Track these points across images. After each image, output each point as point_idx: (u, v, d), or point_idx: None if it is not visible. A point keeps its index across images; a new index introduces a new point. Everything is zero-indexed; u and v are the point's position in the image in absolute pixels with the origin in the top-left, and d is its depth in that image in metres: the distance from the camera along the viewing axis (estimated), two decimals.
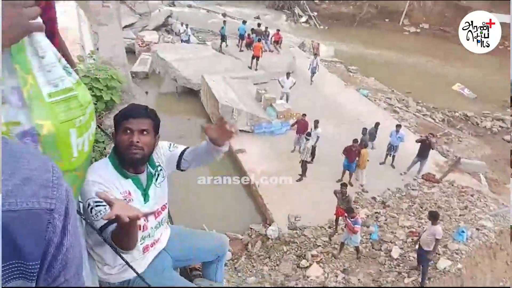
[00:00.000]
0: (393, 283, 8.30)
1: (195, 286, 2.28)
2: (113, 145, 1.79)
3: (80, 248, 0.76)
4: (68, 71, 0.99)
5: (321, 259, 8.99)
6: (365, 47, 25.18)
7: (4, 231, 0.57)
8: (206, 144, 1.86)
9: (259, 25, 19.79)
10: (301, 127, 11.90)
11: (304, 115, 12.13)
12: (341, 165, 11.06)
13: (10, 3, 0.71)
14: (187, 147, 2.01)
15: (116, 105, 5.76)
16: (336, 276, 8.58)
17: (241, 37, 19.04)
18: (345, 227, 8.69)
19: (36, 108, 0.85)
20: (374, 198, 10.91)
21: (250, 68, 17.22)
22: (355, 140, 10.90)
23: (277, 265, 9.10)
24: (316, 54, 17.39)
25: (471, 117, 17.42)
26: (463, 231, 9.02)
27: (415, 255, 8.47)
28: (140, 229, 1.77)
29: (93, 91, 5.38)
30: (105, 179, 1.68)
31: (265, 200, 10.56)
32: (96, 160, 1.88)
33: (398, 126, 11.89)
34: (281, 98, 14.52)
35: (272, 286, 8.50)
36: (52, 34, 1.13)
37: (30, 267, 0.62)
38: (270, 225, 9.96)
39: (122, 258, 1.63)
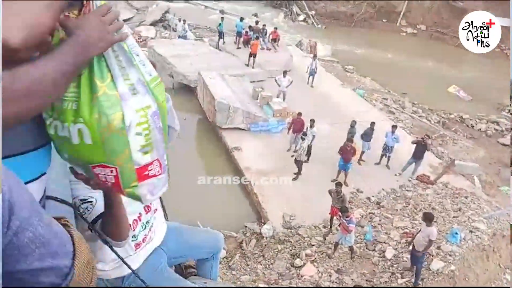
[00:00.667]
0: (387, 283, 8.33)
1: (191, 283, 2.25)
2: None
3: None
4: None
5: (315, 258, 9.00)
6: (362, 47, 25.19)
7: None
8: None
9: (257, 22, 19.75)
10: (297, 126, 11.87)
11: (300, 114, 12.05)
12: (336, 164, 11.07)
13: (99, 19, 0.93)
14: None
15: None
16: (330, 276, 8.59)
17: (239, 34, 18.94)
18: (339, 226, 8.70)
19: (151, 92, 1.07)
20: (368, 198, 10.93)
21: (247, 65, 17.17)
22: (349, 139, 10.91)
23: (271, 263, 9.09)
24: (315, 56, 17.34)
25: (466, 119, 17.49)
26: (456, 233, 9.06)
27: (409, 256, 8.49)
28: (130, 228, 1.74)
29: None
30: None
31: (260, 198, 10.54)
32: None
33: (394, 127, 11.88)
34: (277, 97, 14.50)
35: (266, 285, 8.48)
36: None
37: None
38: (264, 224, 9.94)
39: (115, 252, 1.59)
